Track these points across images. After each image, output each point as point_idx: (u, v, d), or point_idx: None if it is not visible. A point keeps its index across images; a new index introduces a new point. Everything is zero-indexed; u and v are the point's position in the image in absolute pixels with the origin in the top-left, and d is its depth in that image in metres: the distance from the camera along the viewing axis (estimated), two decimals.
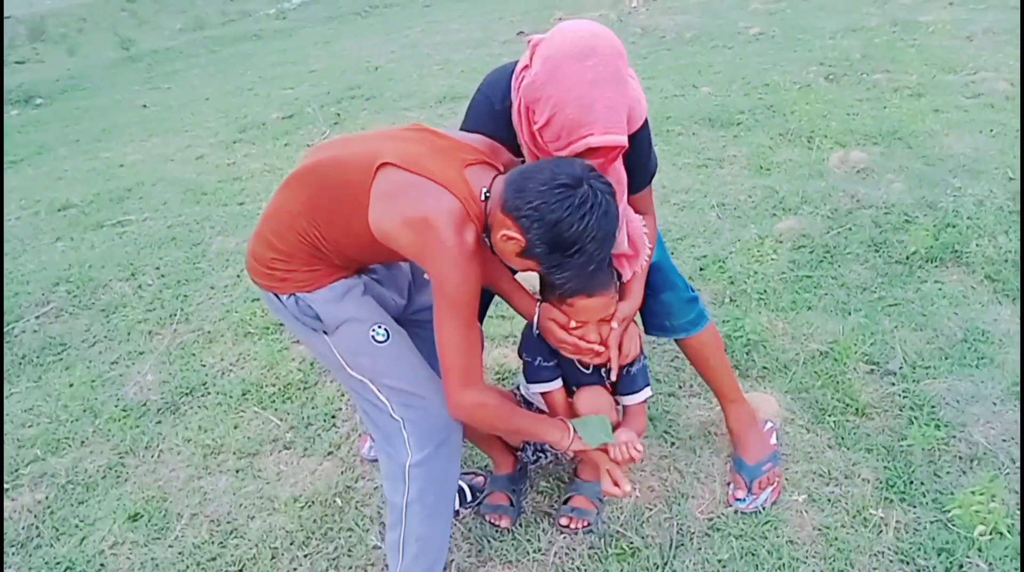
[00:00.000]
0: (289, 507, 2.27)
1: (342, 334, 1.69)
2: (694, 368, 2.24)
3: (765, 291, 2.98)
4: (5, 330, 3.48)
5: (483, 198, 1.56)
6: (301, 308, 1.67)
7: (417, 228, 1.49)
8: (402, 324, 1.82)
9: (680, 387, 2.55)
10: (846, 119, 4.49)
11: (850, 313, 2.78)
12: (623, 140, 1.55)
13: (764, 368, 2.57)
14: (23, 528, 2.34)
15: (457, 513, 2.16)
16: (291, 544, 2.15)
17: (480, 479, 2.24)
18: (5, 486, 2.53)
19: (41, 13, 18.03)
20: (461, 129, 1.81)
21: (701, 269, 3.20)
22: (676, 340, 2.15)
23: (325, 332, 1.70)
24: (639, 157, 1.78)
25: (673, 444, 2.32)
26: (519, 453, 2.19)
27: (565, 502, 2.12)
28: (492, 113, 1.74)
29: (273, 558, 2.12)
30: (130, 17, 16.90)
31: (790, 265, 3.13)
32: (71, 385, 3.02)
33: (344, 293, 1.68)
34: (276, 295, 1.70)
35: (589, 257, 1.51)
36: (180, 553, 2.18)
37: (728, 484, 2.15)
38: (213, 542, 2.20)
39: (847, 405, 2.36)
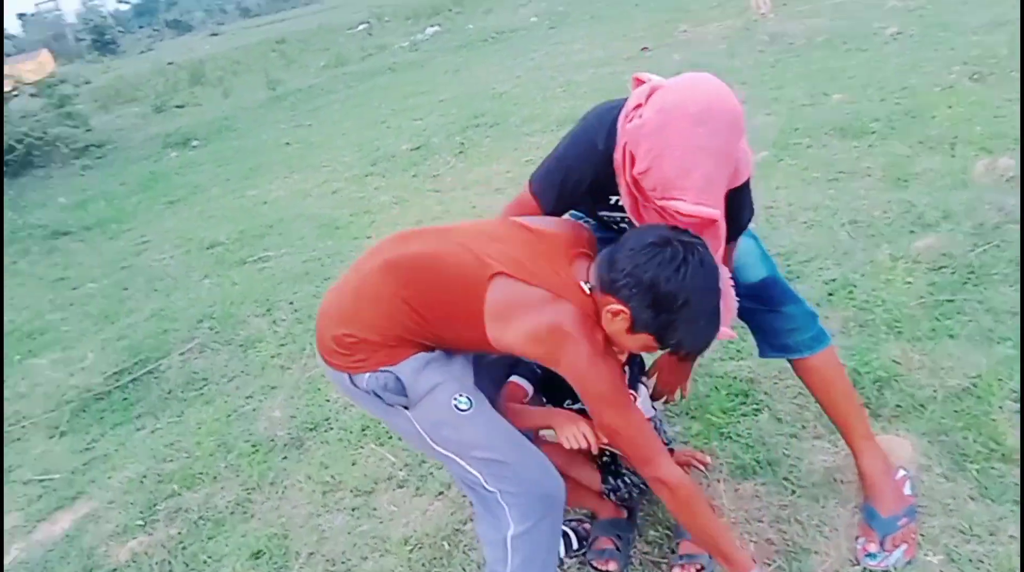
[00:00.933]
0: (399, 549, 2.30)
1: (424, 407, 1.64)
2: (818, 400, 2.11)
3: (900, 319, 2.76)
4: (154, 366, 3.76)
5: (588, 293, 1.58)
6: (382, 382, 1.61)
7: (546, 342, 1.54)
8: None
9: (803, 427, 2.39)
10: (993, 122, 4.12)
11: (997, 343, 2.52)
12: (714, 214, 1.54)
13: (897, 407, 2.37)
14: (156, 563, 2.49)
15: (562, 562, 2.12)
16: None
17: (587, 525, 2.19)
18: (142, 521, 2.71)
19: (200, 58, 19.58)
20: (561, 161, 1.76)
21: (830, 294, 3.00)
22: (796, 366, 2.05)
23: (406, 407, 1.65)
24: (733, 211, 1.69)
25: (794, 492, 2.17)
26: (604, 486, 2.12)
27: (673, 550, 2.04)
28: (595, 152, 1.71)
29: None
30: (279, 58, 18.00)
31: (929, 288, 2.89)
32: (208, 421, 3.21)
33: (425, 364, 1.64)
34: (350, 376, 1.66)
35: (695, 310, 1.51)
36: None
37: (857, 538, 1.98)
38: None
39: (992, 450, 2.13)
